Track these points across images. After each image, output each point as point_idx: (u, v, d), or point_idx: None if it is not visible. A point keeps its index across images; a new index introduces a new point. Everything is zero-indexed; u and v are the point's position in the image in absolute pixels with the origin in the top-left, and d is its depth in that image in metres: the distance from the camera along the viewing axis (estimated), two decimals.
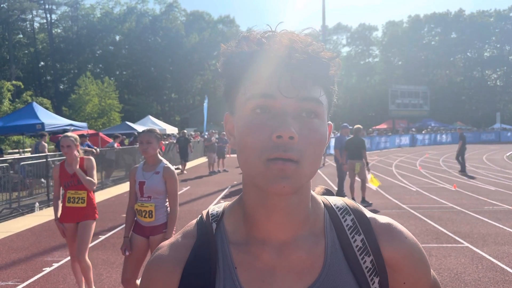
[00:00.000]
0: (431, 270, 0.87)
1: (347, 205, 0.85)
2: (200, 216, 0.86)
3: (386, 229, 0.81)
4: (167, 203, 3.76)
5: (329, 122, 0.80)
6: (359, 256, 0.78)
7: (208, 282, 0.76)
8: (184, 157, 17.46)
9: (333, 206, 0.84)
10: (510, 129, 48.07)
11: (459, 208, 8.91)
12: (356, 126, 9.88)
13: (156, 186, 3.63)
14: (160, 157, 3.79)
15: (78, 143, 4.38)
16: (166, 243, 0.83)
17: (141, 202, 3.68)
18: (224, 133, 17.08)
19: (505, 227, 7.13)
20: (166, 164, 3.74)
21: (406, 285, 0.81)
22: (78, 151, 4.37)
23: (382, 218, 0.83)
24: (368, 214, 0.84)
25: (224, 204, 0.87)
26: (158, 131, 3.83)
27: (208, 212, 0.86)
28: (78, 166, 4.30)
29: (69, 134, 4.46)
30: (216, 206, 0.87)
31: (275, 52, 0.69)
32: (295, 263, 0.77)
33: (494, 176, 14.68)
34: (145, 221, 3.66)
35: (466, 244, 6.19)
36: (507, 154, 25.16)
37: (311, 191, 0.82)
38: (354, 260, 0.77)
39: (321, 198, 0.85)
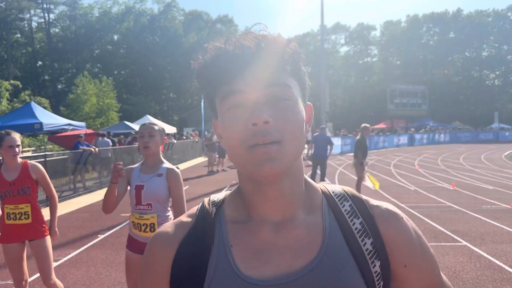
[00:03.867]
0: (439, 269, 0.88)
1: (345, 191, 0.87)
2: (202, 202, 0.90)
3: (385, 212, 0.83)
4: (169, 212, 3.12)
5: (308, 102, 0.85)
6: (359, 238, 0.79)
7: (201, 260, 0.79)
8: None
9: (331, 192, 0.86)
10: (508, 128, 48.14)
11: (457, 207, 8.93)
12: (362, 125, 10.10)
13: (158, 191, 2.99)
14: (162, 158, 3.19)
15: (20, 144, 3.54)
16: (168, 223, 0.88)
17: (139, 214, 3.01)
18: None
19: (503, 226, 7.16)
20: (169, 166, 3.13)
21: (408, 268, 0.82)
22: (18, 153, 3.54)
23: (380, 203, 0.86)
24: (366, 199, 0.86)
25: (225, 192, 0.91)
26: (160, 126, 3.22)
27: (209, 199, 0.90)
28: (20, 173, 3.50)
29: (10, 131, 3.55)
30: (218, 194, 0.91)
31: (232, 52, 0.75)
32: (293, 241, 0.78)
33: (492, 175, 14.72)
34: (145, 236, 2.99)
35: (464, 243, 6.21)
36: (505, 154, 25.21)
37: (307, 177, 0.85)
38: (354, 241, 0.78)
39: (319, 186, 0.88)
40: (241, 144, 0.73)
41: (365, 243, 0.79)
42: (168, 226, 0.86)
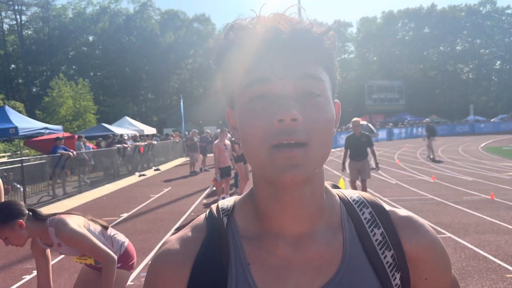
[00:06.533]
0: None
1: (364, 198, 0.80)
2: (209, 210, 0.81)
3: (407, 222, 0.77)
4: (116, 237, 2.88)
5: (336, 100, 0.77)
6: (379, 250, 0.74)
7: (220, 279, 0.71)
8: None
9: (349, 199, 0.80)
10: (483, 120, 49.36)
11: (439, 199, 9.05)
12: (353, 119, 9.12)
13: (73, 254, 2.75)
14: (41, 224, 2.59)
15: None
16: (173, 237, 0.78)
17: (76, 256, 2.81)
18: (208, 131, 17.36)
19: (484, 216, 7.28)
20: (52, 223, 2.57)
21: (428, 281, 0.77)
22: None
23: (402, 211, 0.79)
24: (387, 207, 0.79)
25: (235, 198, 0.82)
26: (16, 206, 2.59)
27: (218, 206, 0.80)
28: None
29: None
30: (226, 201, 0.82)
31: (263, 36, 0.66)
32: (312, 258, 0.72)
33: (470, 167, 15.00)
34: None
35: (448, 234, 6.28)
36: (482, 145, 25.78)
37: (326, 184, 0.78)
38: (374, 254, 0.74)
39: (335, 191, 0.80)
40: (262, 143, 0.64)
41: (386, 256, 0.74)
42: (176, 242, 0.76)
